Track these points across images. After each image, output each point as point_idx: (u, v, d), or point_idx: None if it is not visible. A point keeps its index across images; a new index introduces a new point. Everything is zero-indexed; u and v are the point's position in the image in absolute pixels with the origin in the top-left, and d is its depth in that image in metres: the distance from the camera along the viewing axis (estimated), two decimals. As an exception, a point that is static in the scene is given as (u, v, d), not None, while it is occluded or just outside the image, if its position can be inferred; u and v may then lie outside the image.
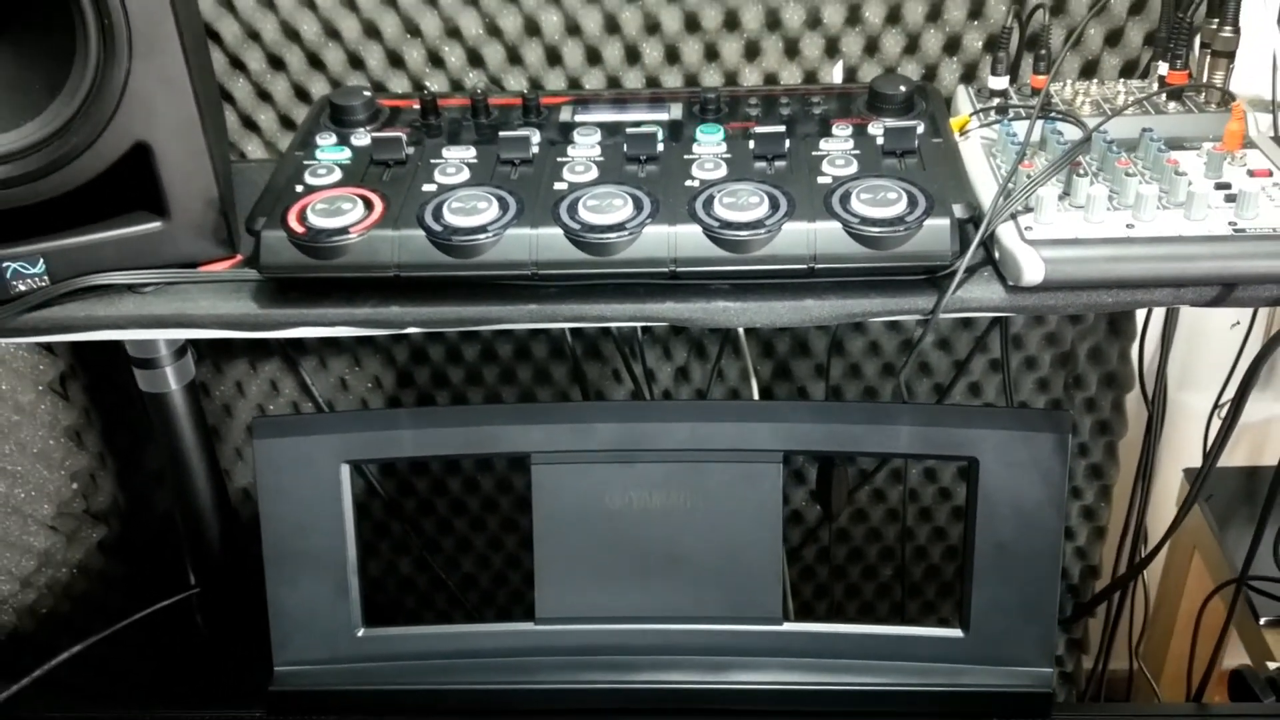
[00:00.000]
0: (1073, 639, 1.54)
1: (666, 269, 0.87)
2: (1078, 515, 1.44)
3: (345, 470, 1.06)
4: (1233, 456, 1.66)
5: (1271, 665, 1.28)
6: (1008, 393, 1.27)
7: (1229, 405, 0.97)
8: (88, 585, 1.37)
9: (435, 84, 1.19)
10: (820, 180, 0.91)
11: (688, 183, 0.92)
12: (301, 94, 1.21)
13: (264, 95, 1.21)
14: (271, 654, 1.07)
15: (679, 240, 0.87)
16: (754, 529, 1.05)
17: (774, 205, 0.88)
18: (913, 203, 0.88)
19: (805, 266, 0.87)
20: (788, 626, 1.07)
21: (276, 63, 1.19)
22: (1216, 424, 1.56)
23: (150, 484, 1.43)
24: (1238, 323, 1.49)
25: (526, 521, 1.43)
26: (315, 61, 1.19)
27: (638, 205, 0.89)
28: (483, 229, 0.88)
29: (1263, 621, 1.39)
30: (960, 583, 1.07)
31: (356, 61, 1.19)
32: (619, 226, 0.87)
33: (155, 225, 0.93)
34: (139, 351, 1.12)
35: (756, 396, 1.29)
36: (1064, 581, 1.47)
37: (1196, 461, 1.54)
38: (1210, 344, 1.53)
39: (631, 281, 0.89)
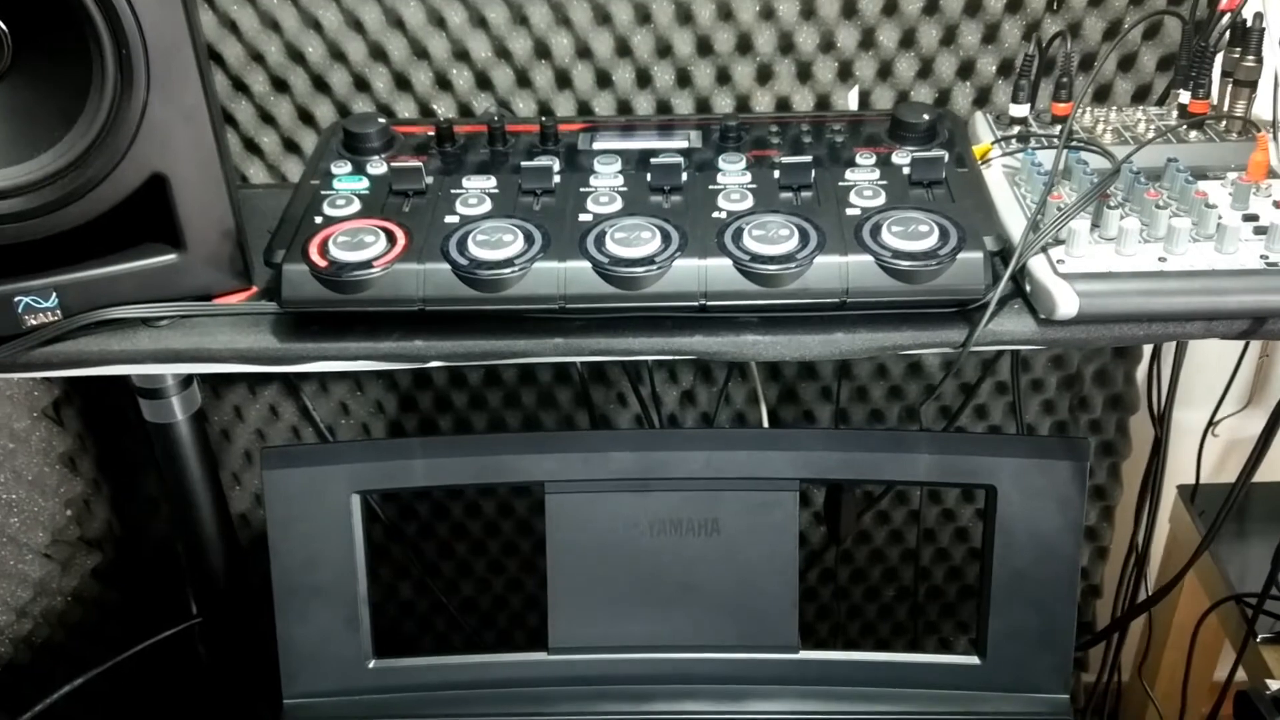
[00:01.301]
0: (1074, 658, 1.54)
1: (697, 303, 0.86)
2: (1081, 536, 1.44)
3: (356, 500, 1.04)
4: (1222, 473, 1.67)
5: (1271, 683, 1.29)
6: (1019, 418, 1.27)
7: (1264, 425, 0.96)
8: (83, 614, 1.34)
9: (443, 107, 1.17)
10: (849, 212, 0.90)
11: (715, 214, 0.91)
12: (306, 117, 1.19)
13: (267, 118, 1.19)
14: (280, 686, 1.06)
15: (709, 274, 0.86)
16: (769, 558, 1.05)
17: (804, 238, 0.87)
18: (944, 236, 0.87)
19: (837, 300, 0.86)
20: (804, 655, 1.07)
21: (280, 85, 1.17)
22: (1211, 441, 1.58)
23: (145, 510, 1.40)
24: (1266, 355, 1.51)
25: (536, 549, 1.44)
26: (320, 84, 1.17)
27: (666, 238, 0.88)
28: (509, 262, 0.86)
29: (1260, 639, 1.40)
30: (977, 610, 1.07)
31: (362, 84, 1.17)
32: (649, 260, 0.86)
33: (171, 257, 0.90)
34: (145, 382, 1.10)
35: (766, 421, 1.28)
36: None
37: (1189, 478, 1.55)
38: (1203, 362, 1.54)
39: (659, 315, 0.88)
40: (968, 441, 1.06)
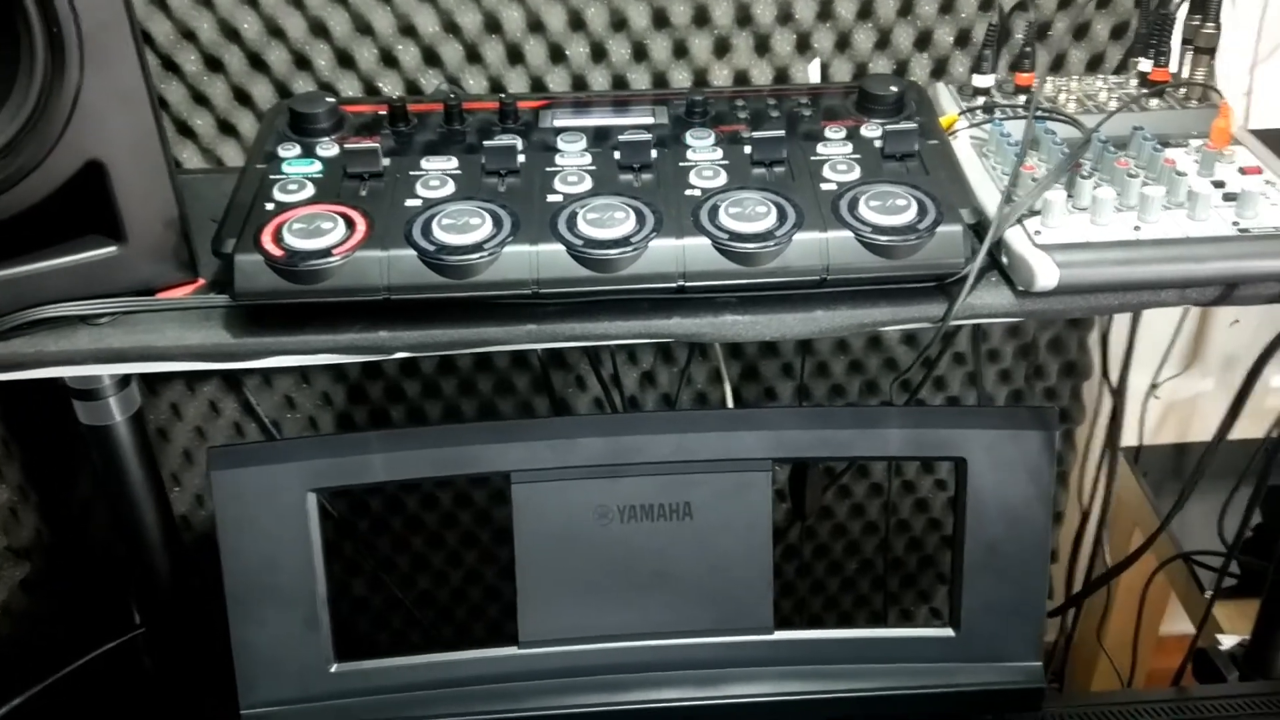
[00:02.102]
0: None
1: (675, 284, 0.83)
2: (1035, 502, 1.45)
3: (312, 499, 1.00)
4: (1162, 434, 1.70)
5: (1222, 638, 1.31)
6: (979, 389, 1.27)
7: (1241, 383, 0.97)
8: (13, 628, 1.27)
9: (389, 85, 1.13)
10: (824, 187, 0.88)
11: (688, 192, 0.88)
12: (242, 97, 1.14)
13: (200, 99, 1.14)
14: (235, 695, 1.01)
15: (687, 254, 0.83)
16: (743, 539, 1.03)
17: (782, 215, 0.85)
18: (923, 210, 0.85)
19: (818, 278, 0.84)
20: (779, 635, 1.05)
21: (214, 64, 1.12)
22: (1153, 404, 1.60)
23: (77, 517, 1.34)
24: (1237, 320, 1.52)
25: (495, 540, 1.41)
26: (257, 62, 1.12)
27: (640, 218, 0.85)
28: (479, 247, 0.82)
29: (1208, 594, 1.42)
30: (950, 582, 1.06)
31: (303, 62, 1.12)
32: (624, 241, 0.83)
33: (110, 250, 0.85)
34: (80, 384, 1.03)
35: (730, 400, 1.26)
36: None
37: (1133, 441, 1.57)
38: (1146, 326, 1.56)
39: (635, 298, 0.85)
40: (937, 415, 1.05)
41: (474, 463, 1.02)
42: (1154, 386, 1.55)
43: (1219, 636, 1.31)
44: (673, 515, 1.02)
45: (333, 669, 1.02)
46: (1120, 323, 1.37)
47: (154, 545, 1.14)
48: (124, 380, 1.05)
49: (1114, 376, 1.38)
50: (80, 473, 1.32)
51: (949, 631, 1.05)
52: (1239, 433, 1.17)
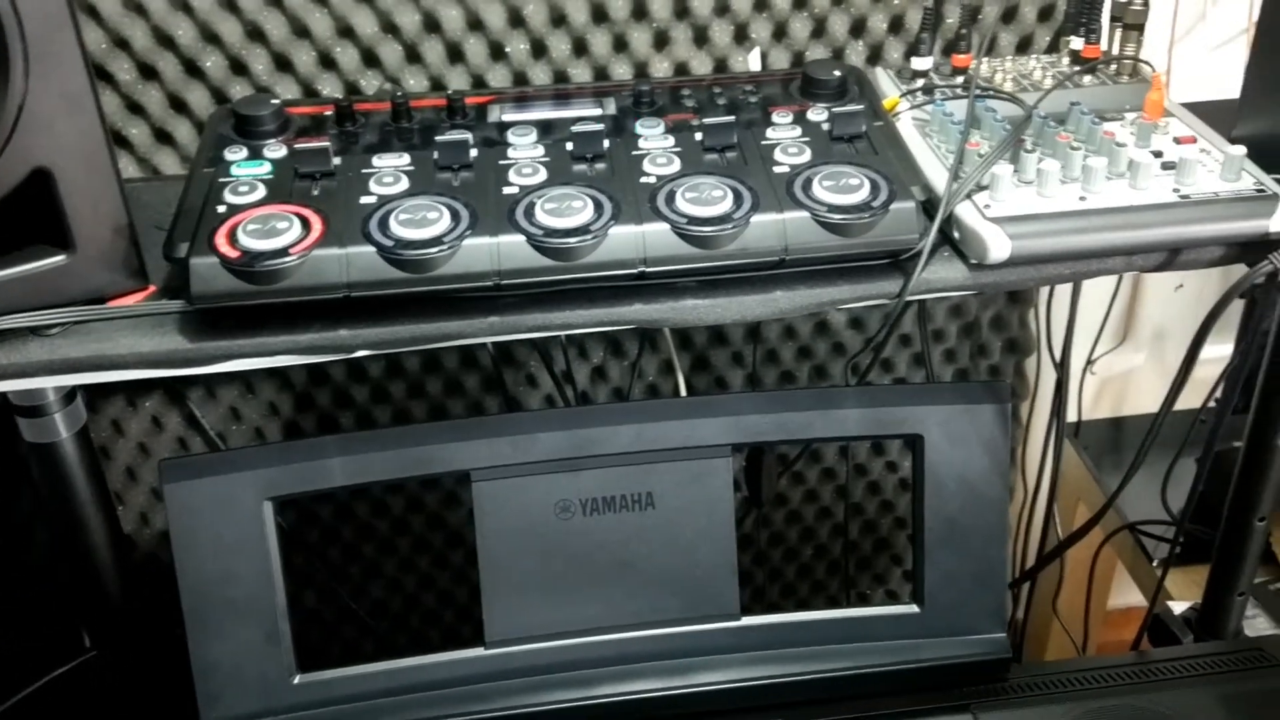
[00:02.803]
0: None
1: (636, 270, 0.84)
2: (983, 480, 1.48)
3: (268, 508, 0.98)
4: (1098, 409, 1.74)
5: (1174, 604, 1.34)
6: (928, 367, 1.29)
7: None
8: (-45, 658, 1.24)
9: (328, 87, 1.12)
10: (777, 170, 0.89)
11: (643, 179, 0.88)
12: (178, 105, 1.12)
13: (135, 108, 1.12)
14: (196, 712, 0.99)
15: (647, 240, 0.84)
16: (706, 526, 1.03)
17: (738, 198, 0.86)
18: (875, 188, 0.87)
19: (777, 258, 0.85)
20: (745, 621, 1.06)
21: (149, 72, 1.10)
22: (1090, 379, 1.64)
23: (15, 540, 1.30)
24: (1181, 285, 1.56)
25: (449, 543, 1.40)
26: (192, 69, 1.10)
27: (598, 206, 0.85)
28: (438, 240, 0.82)
29: (1155, 563, 1.45)
30: (913, 559, 1.07)
31: (239, 67, 1.10)
32: (584, 229, 0.83)
33: (59, 259, 0.83)
34: (24, 399, 1.01)
35: (683, 390, 1.27)
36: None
37: (1073, 416, 1.60)
38: (1081, 304, 1.60)
39: (596, 286, 0.85)
40: (893, 393, 1.07)
41: (433, 462, 1.01)
42: (1090, 362, 1.58)
43: (1170, 604, 1.34)
44: (634, 506, 1.02)
45: (295, 680, 1.01)
46: (1061, 299, 1.40)
47: (103, 564, 1.11)
48: (69, 395, 1.03)
49: (1056, 352, 1.41)
50: (20, 495, 1.29)
51: (913, 608, 1.06)
52: (1175, 404, 1.21)
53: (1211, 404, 1.30)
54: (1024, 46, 1.19)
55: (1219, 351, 1.19)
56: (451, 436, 1.01)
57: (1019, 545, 1.53)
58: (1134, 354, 1.71)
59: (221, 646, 0.99)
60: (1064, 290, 1.36)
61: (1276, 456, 1.14)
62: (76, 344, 0.84)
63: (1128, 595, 1.66)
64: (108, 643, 1.17)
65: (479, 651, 1.03)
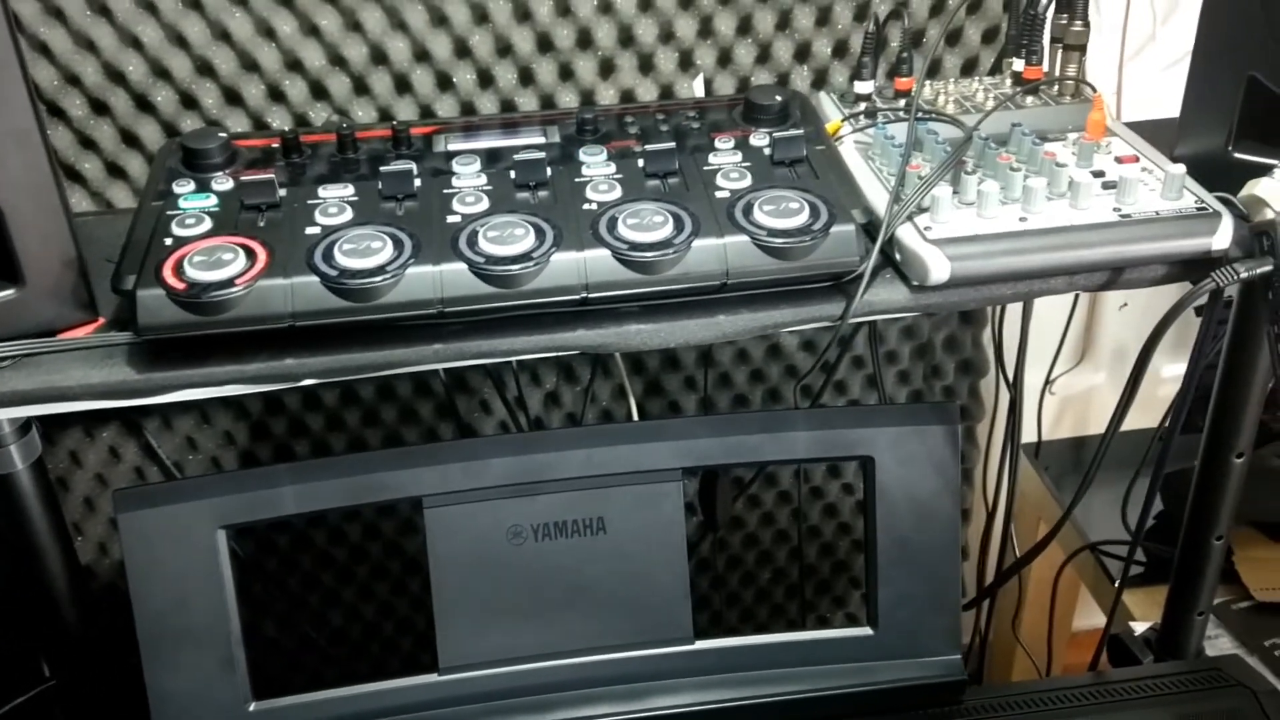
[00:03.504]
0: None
1: (579, 296, 0.85)
2: (941, 500, 1.49)
3: (222, 536, 0.99)
4: (1059, 429, 1.76)
5: (1133, 624, 1.35)
6: (880, 389, 1.30)
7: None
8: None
9: (277, 120, 1.13)
10: (718, 195, 0.90)
11: (585, 206, 0.89)
12: (130, 139, 1.13)
13: (87, 143, 1.13)
14: (154, 744, 1.00)
15: (588, 265, 0.85)
16: (658, 550, 1.04)
17: (679, 223, 0.87)
18: (815, 211, 0.88)
19: (719, 283, 0.86)
20: (700, 645, 1.06)
21: (100, 107, 1.11)
22: (1049, 399, 1.65)
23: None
24: (1125, 304, 1.57)
25: (406, 570, 1.40)
26: (143, 104, 1.11)
27: (540, 233, 0.86)
28: (381, 270, 0.83)
29: (1117, 583, 1.46)
30: (865, 581, 1.08)
31: (189, 101, 1.12)
32: (525, 257, 0.84)
33: (9, 293, 0.84)
34: (-23, 431, 1.01)
35: (635, 415, 1.28)
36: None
37: (1031, 437, 1.62)
38: (1039, 324, 1.62)
39: (540, 312, 0.86)
40: (842, 415, 1.08)
41: (385, 489, 1.02)
42: (1049, 382, 1.60)
43: (1131, 624, 1.35)
44: (586, 531, 1.03)
45: (251, 708, 1.01)
46: (1013, 319, 1.42)
47: (61, 595, 1.12)
48: (25, 426, 1.03)
49: (1010, 372, 1.42)
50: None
51: (867, 630, 1.07)
52: (1135, 423, 1.22)
53: (1168, 422, 1.31)
54: (969, 69, 1.21)
55: (1181, 370, 1.21)
56: (403, 463, 1.01)
57: (979, 567, 1.54)
58: (1094, 373, 1.73)
59: (177, 675, 1.00)
60: (1017, 310, 1.38)
61: (1232, 475, 1.15)
62: (26, 376, 0.84)
63: (1092, 617, 1.67)
64: (66, 672, 1.17)
65: (432, 678, 1.03)
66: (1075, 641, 1.71)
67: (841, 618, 1.56)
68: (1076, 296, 1.51)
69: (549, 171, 0.93)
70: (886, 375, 1.38)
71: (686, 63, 1.17)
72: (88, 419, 1.25)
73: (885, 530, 1.05)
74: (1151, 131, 1.02)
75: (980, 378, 1.41)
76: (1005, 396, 1.44)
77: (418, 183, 0.92)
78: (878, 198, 0.94)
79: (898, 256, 0.91)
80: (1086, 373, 1.72)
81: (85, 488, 1.30)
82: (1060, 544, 1.55)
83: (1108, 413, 1.05)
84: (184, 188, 0.93)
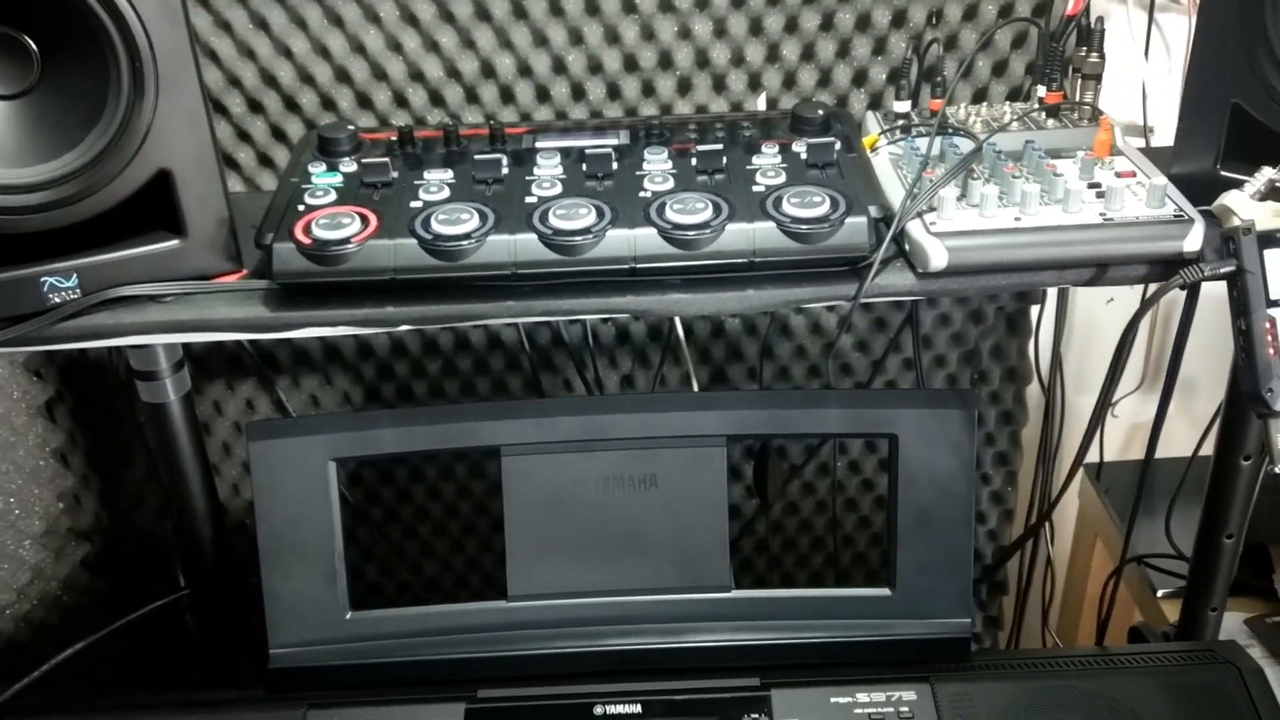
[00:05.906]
0: (989, 616, 1.68)
1: (627, 265, 1.01)
2: (988, 500, 1.60)
3: (333, 467, 1.15)
4: (1128, 452, 1.82)
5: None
6: (920, 380, 1.42)
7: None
8: (74, 600, 1.44)
9: (400, 122, 1.32)
10: (755, 189, 1.06)
11: (641, 194, 1.06)
12: (279, 134, 1.33)
13: (244, 136, 1.34)
14: (265, 646, 1.16)
15: (637, 241, 1.01)
16: (703, 507, 1.16)
17: (717, 210, 1.03)
18: (834, 204, 1.03)
19: (746, 260, 1.01)
20: (735, 594, 1.18)
21: (256, 106, 1.32)
22: (1111, 422, 1.72)
23: (131, 505, 1.51)
24: (1111, 299, 1.66)
25: (476, 510, 1.55)
26: (291, 105, 1.32)
27: (600, 213, 1.03)
28: (467, 236, 1.01)
29: (1160, 594, 1.54)
30: (886, 546, 1.18)
31: (329, 104, 1.32)
32: (585, 230, 1.01)
33: (174, 243, 1.04)
34: (141, 364, 1.22)
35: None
36: (978, 563, 1.61)
37: (1096, 457, 1.70)
38: (1104, 346, 1.69)
39: (596, 279, 1.03)
40: (870, 396, 1.20)
41: (470, 437, 1.17)
42: (1110, 405, 1.68)
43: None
44: (640, 485, 1.16)
45: (348, 616, 1.16)
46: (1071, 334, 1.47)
47: (199, 513, 1.30)
48: (179, 364, 1.23)
49: (1071, 388, 1.50)
50: (134, 467, 1.50)
51: (886, 591, 1.18)
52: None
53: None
54: (1013, 97, 1.34)
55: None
56: (486, 416, 1.17)
57: (1020, 560, 1.63)
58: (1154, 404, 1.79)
59: (289, 584, 1.16)
60: (1074, 326, 1.46)
61: (1240, 476, 1.24)
62: (184, 310, 1.04)
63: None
64: (199, 583, 1.36)
65: (502, 604, 1.17)
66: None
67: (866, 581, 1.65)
68: (1136, 320, 1.59)
69: (615, 165, 1.10)
70: (934, 378, 1.50)
71: (755, 84, 1.32)
72: (229, 374, 1.46)
73: (905, 502, 1.15)
74: (1169, 156, 1.11)
75: (1024, 385, 1.51)
76: (1070, 414, 1.52)
77: (505, 170, 1.10)
78: (897, 198, 1.07)
79: (906, 246, 1.05)
80: (1150, 402, 1.78)
81: (224, 434, 1.51)
82: (1112, 557, 1.62)
83: (1173, 439, 1.13)
84: (318, 168, 1.12)
